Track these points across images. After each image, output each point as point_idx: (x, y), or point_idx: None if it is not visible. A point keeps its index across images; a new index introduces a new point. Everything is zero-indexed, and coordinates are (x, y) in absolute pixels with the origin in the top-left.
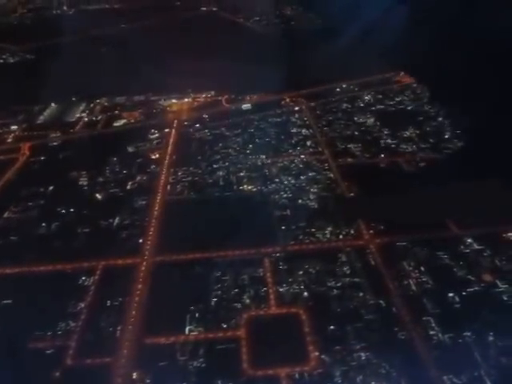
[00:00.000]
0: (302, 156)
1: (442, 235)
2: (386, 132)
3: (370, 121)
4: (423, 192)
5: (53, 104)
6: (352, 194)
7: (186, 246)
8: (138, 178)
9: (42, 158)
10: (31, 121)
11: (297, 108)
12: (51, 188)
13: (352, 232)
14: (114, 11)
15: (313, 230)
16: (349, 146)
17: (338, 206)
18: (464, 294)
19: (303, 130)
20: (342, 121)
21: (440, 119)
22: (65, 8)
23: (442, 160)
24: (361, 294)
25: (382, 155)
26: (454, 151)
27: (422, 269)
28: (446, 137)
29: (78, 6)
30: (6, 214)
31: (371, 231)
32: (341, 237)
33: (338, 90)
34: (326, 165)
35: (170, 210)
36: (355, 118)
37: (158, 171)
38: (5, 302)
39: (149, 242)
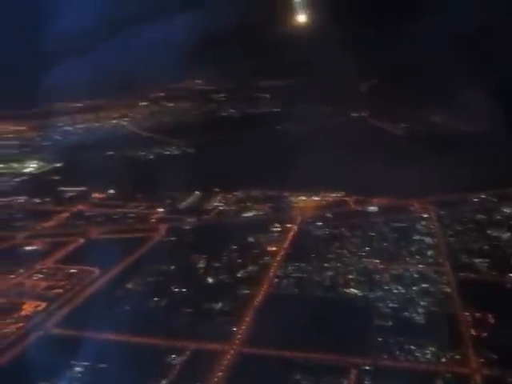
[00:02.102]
0: (420, 265)
1: None
2: None
3: (506, 236)
4: None
5: (196, 192)
6: (467, 314)
7: (275, 342)
8: (250, 267)
9: (173, 239)
10: (174, 205)
11: (425, 215)
12: (172, 267)
13: (457, 357)
14: (274, 114)
15: (412, 347)
16: (474, 260)
17: (447, 325)
18: None
19: (426, 239)
20: (472, 233)
21: None
22: (232, 111)
23: None
24: None
25: None
26: None
27: None
28: None
29: (243, 109)
30: (128, 285)
31: (481, 359)
32: (443, 360)
33: (474, 199)
34: (444, 278)
35: (270, 303)
36: (488, 232)
37: (270, 263)
38: (101, 365)
39: (241, 332)
